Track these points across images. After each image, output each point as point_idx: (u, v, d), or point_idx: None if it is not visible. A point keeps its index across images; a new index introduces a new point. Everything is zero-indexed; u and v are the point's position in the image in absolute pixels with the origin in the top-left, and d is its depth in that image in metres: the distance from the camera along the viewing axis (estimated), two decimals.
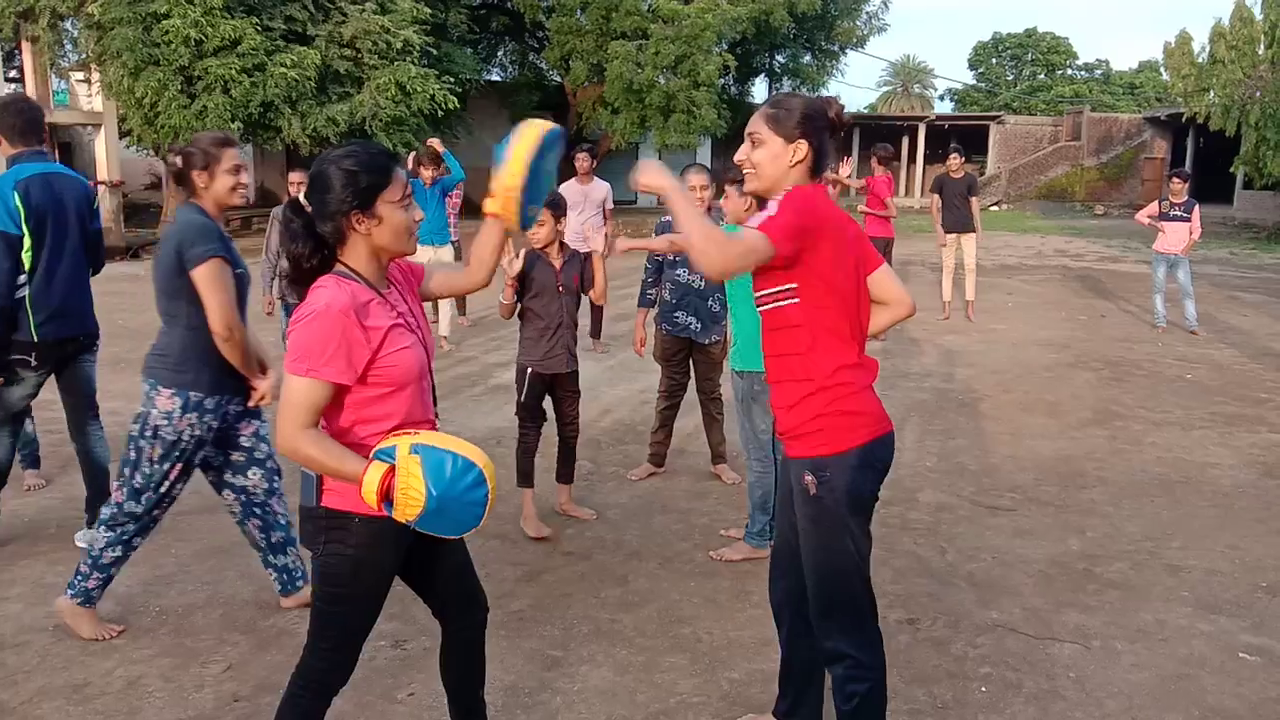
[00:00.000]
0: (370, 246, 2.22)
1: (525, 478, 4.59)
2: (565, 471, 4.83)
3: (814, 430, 2.44)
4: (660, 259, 5.12)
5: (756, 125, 2.49)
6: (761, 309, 2.50)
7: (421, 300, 2.47)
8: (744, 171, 2.53)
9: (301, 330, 2.12)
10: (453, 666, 2.58)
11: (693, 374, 5.36)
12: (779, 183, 2.47)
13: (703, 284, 5.03)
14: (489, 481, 2.12)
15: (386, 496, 2.08)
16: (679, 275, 5.06)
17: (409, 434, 2.13)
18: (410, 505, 2.07)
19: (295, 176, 5.23)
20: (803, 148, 2.45)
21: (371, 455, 2.11)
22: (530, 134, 2.36)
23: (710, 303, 5.08)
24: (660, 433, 5.44)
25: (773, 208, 2.39)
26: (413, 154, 9.05)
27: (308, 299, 2.16)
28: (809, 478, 2.44)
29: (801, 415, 2.45)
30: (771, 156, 2.46)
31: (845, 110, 2.57)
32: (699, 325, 5.11)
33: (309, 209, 2.21)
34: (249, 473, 3.55)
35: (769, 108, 2.50)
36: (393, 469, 2.07)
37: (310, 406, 2.11)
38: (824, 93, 25.06)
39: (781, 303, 2.43)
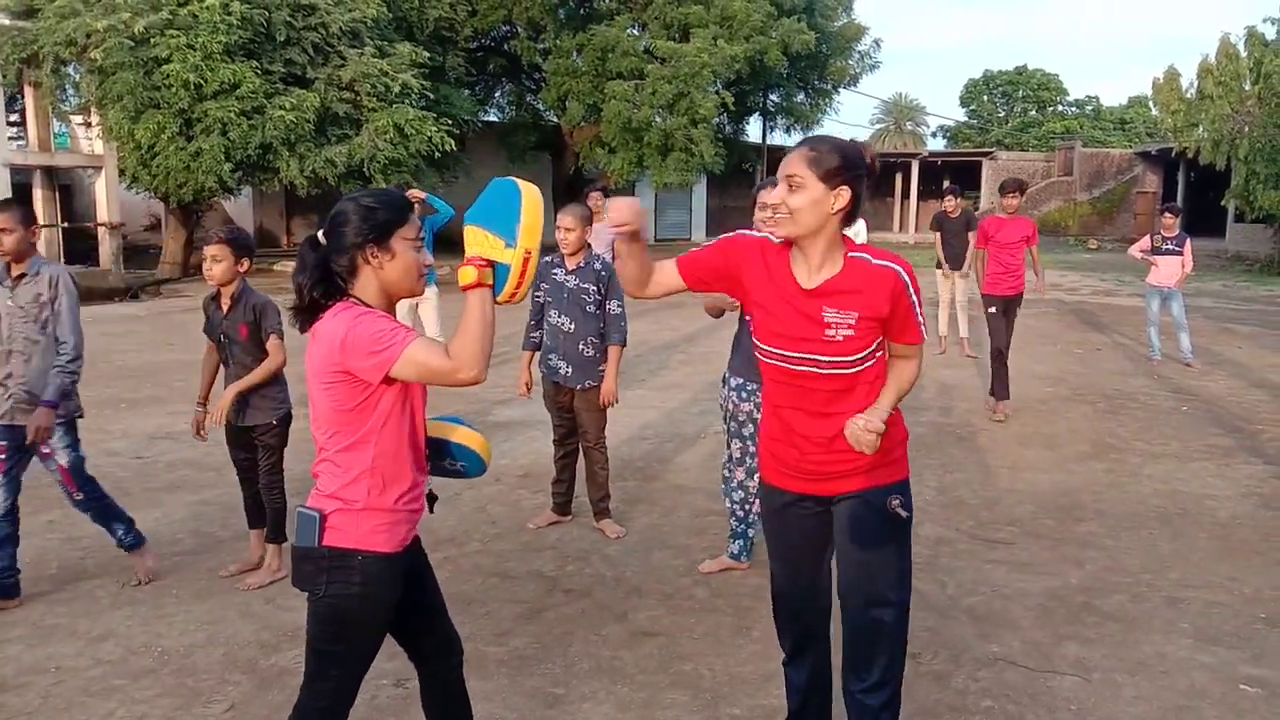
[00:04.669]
0: (380, 281, 2.26)
1: None
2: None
3: (899, 456, 2.54)
4: (542, 300, 5.00)
5: (796, 167, 2.35)
6: (838, 371, 2.49)
7: None
8: (777, 215, 2.40)
9: (358, 337, 2.14)
10: (440, 710, 2.59)
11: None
12: (818, 231, 2.38)
13: (572, 327, 4.88)
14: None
15: (478, 262, 2.15)
16: (550, 318, 4.96)
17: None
18: (477, 240, 2.17)
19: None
20: (845, 194, 2.35)
21: (467, 262, 2.17)
22: (532, 197, 2.21)
23: (581, 346, 4.89)
24: (559, 483, 5.21)
25: (914, 300, 2.48)
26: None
27: (329, 324, 2.19)
28: (896, 501, 2.50)
29: (885, 442, 2.46)
30: (812, 202, 2.34)
31: (878, 157, 2.51)
32: (569, 370, 4.92)
33: (324, 244, 2.27)
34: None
35: (809, 150, 2.37)
36: (465, 261, 2.15)
37: (438, 350, 2.12)
38: (817, 130, 25.33)
39: (874, 359, 2.49)
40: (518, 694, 3.42)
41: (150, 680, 3.50)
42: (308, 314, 2.26)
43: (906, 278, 2.42)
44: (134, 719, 3.24)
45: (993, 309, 7.91)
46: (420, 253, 2.30)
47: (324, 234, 2.27)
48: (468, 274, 2.13)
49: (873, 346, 2.44)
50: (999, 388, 7.84)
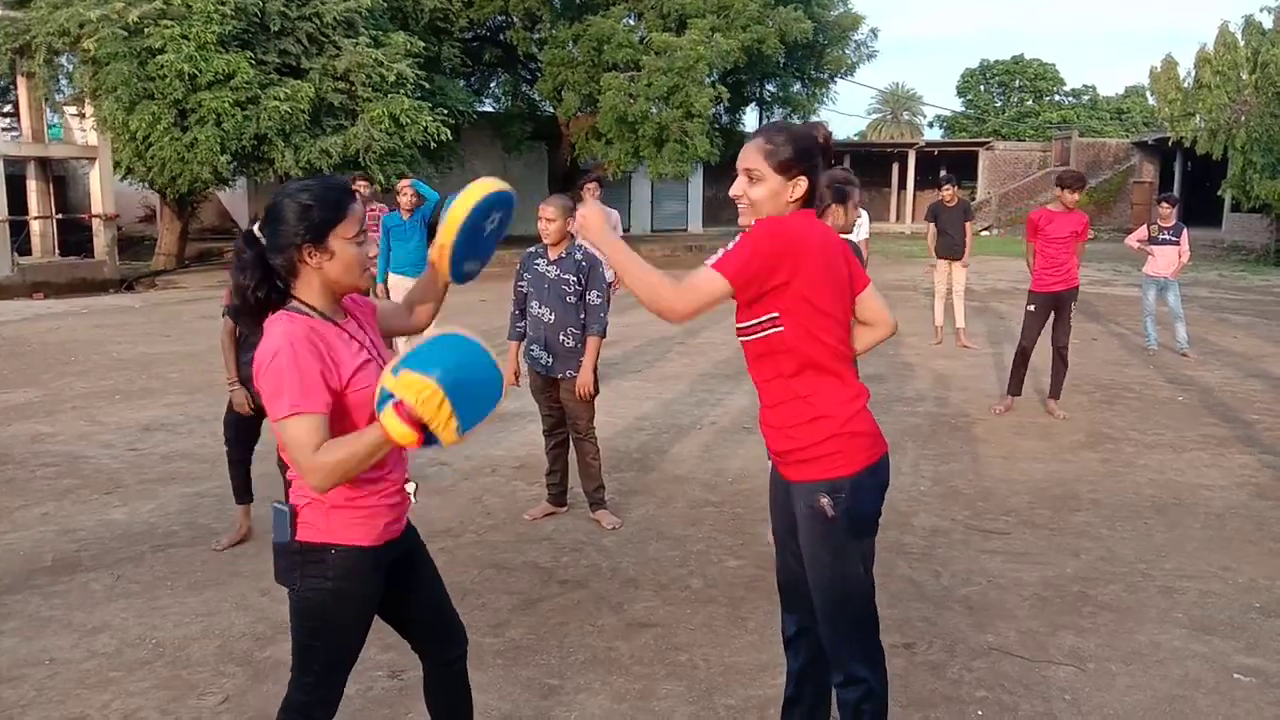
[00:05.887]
0: (322, 280, 2.19)
1: None
2: None
3: (828, 452, 2.44)
4: (525, 290, 5.00)
5: (753, 161, 2.45)
6: (742, 339, 2.51)
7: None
8: (739, 205, 2.50)
9: (270, 372, 2.07)
10: (440, 702, 2.57)
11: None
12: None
13: (552, 318, 4.89)
14: (462, 331, 2.03)
15: (419, 427, 1.96)
16: (531, 309, 4.96)
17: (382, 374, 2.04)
18: (435, 409, 1.94)
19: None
20: (801, 184, 2.44)
21: (376, 411, 2.01)
22: (473, 193, 2.33)
23: (562, 337, 4.90)
24: (552, 474, 5.23)
25: (731, 243, 2.38)
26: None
27: (263, 339, 2.13)
28: (824, 500, 2.44)
29: (809, 437, 2.45)
30: (770, 194, 2.43)
31: (831, 135, 2.58)
32: (550, 359, 4.94)
33: (263, 240, 2.18)
34: None
35: (765, 143, 2.45)
36: (399, 403, 1.95)
37: (315, 441, 2.04)
38: (814, 120, 25.21)
39: (765, 332, 2.43)
40: (513, 685, 3.42)
41: (145, 672, 3.50)
42: (253, 316, 2.17)
43: (753, 231, 2.42)
44: (129, 711, 3.24)
45: (1031, 307, 7.48)
46: (363, 246, 2.21)
47: (260, 228, 2.18)
48: (404, 435, 1.96)
49: (761, 317, 2.42)
50: (1014, 383, 7.63)
